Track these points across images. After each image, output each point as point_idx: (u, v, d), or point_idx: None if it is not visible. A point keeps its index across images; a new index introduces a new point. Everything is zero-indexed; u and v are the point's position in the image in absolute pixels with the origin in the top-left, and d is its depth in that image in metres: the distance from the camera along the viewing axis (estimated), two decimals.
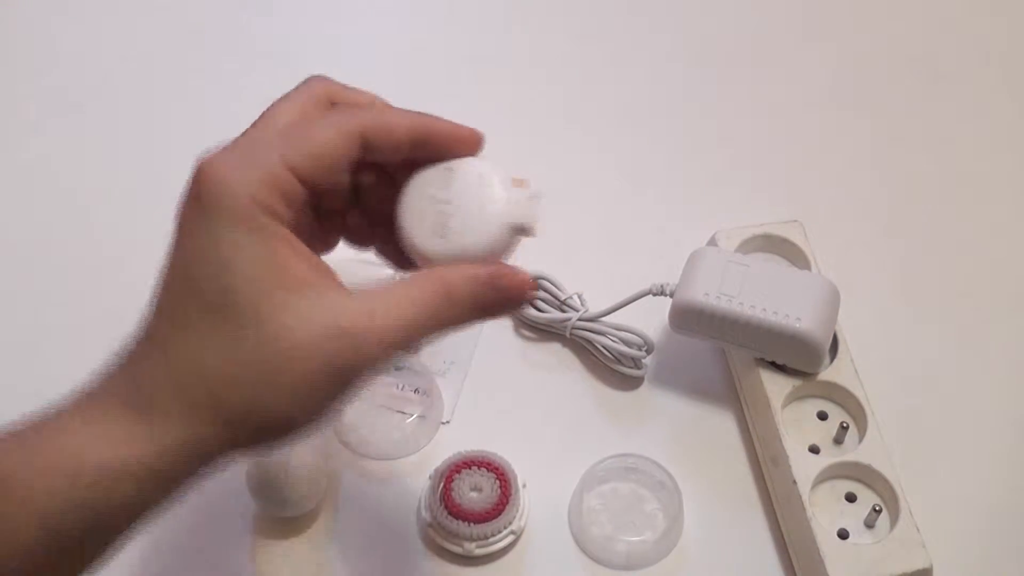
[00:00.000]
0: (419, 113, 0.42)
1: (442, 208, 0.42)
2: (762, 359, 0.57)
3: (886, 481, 0.54)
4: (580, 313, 0.61)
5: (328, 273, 0.40)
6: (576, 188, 0.69)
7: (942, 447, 0.59)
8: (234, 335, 0.37)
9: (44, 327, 0.63)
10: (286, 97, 0.43)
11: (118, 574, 0.53)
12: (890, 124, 0.74)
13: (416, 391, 0.59)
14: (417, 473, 0.57)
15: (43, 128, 0.72)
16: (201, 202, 0.38)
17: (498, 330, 0.63)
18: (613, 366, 0.60)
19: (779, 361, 0.57)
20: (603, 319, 0.60)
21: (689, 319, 0.57)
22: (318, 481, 0.55)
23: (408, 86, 0.75)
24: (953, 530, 0.56)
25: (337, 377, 0.38)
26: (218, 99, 0.73)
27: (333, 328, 0.37)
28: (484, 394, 0.61)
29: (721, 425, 0.60)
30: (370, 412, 0.59)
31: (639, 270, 0.61)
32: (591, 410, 0.60)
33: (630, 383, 0.61)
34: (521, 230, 0.42)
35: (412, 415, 0.58)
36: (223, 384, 0.37)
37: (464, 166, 0.43)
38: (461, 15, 0.80)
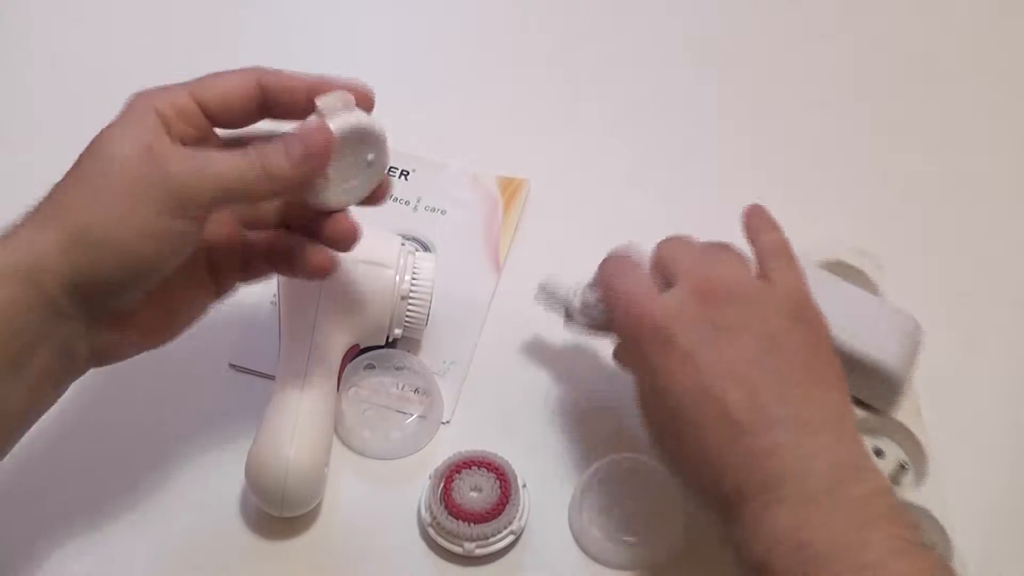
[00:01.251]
0: (320, 76, 0.49)
1: None
2: None
3: (942, 529, 0.53)
4: None
5: None
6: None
7: (945, 448, 0.59)
8: (81, 172, 0.45)
9: None
10: None
11: (118, 573, 0.54)
12: (893, 125, 0.74)
13: (416, 391, 0.59)
14: (417, 473, 0.57)
15: (43, 128, 0.72)
16: (122, 112, 0.47)
17: (498, 329, 0.63)
18: None
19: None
20: None
21: None
22: (318, 481, 0.54)
23: (410, 85, 0.75)
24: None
25: (155, 196, 0.44)
26: None
27: (155, 158, 0.44)
28: (484, 394, 0.61)
29: None
30: (370, 412, 0.59)
31: None
32: (592, 410, 0.60)
33: None
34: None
35: (412, 415, 0.58)
36: (60, 204, 0.44)
37: None
38: (476, 11, 0.79)
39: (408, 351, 0.61)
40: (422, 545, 0.55)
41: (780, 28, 0.79)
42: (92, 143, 0.46)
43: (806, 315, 0.50)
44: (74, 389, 0.55)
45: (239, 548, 0.55)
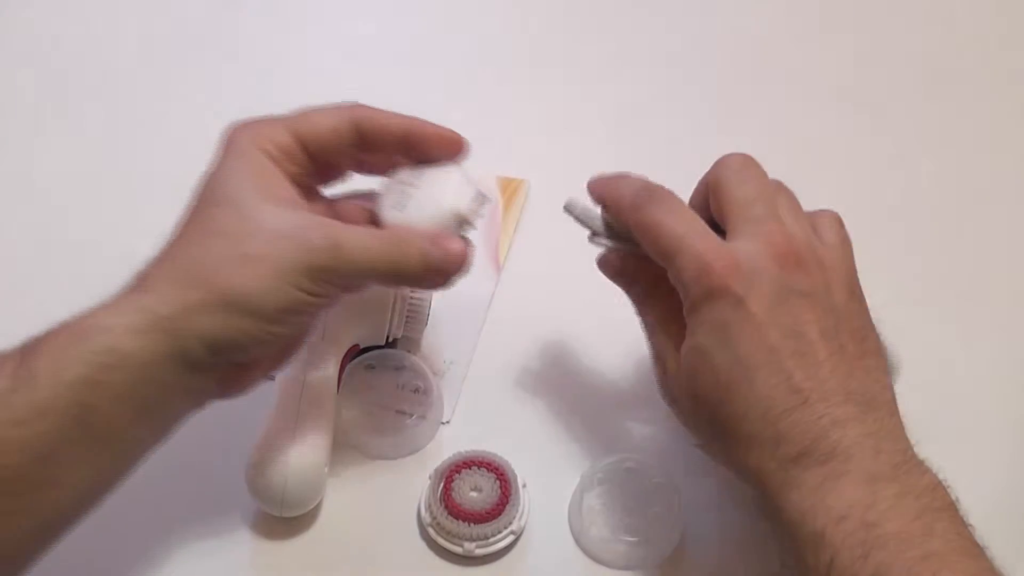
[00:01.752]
0: (415, 118, 0.51)
1: (406, 189, 0.51)
2: None
3: None
4: None
5: (306, 207, 0.49)
6: None
7: (945, 448, 0.59)
8: (215, 224, 0.46)
9: (41, 327, 0.63)
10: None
11: (118, 571, 0.54)
12: (893, 126, 0.74)
13: (416, 391, 0.59)
14: (417, 473, 0.57)
15: (43, 128, 0.72)
16: (221, 149, 0.48)
17: (498, 329, 0.63)
18: None
19: None
20: None
21: None
22: (318, 481, 0.55)
23: (409, 86, 0.76)
24: None
25: (294, 271, 0.45)
26: (219, 99, 0.73)
27: (299, 228, 0.46)
28: (484, 394, 0.61)
29: None
30: (370, 412, 0.59)
31: None
32: (592, 410, 0.60)
33: None
34: (463, 219, 0.50)
35: (412, 415, 0.58)
36: (203, 263, 0.45)
37: (437, 165, 0.51)
38: (475, 11, 0.79)
39: (408, 351, 0.61)
40: (422, 545, 0.55)
41: (780, 29, 0.79)
42: (214, 188, 0.47)
43: (858, 292, 0.50)
44: None
45: (239, 548, 0.55)
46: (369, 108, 0.50)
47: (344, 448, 0.58)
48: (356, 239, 0.47)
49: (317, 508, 0.56)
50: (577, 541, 0.56)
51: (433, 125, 0.51)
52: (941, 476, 0.45)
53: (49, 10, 0.78)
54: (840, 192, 0.70)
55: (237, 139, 0.48)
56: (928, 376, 0.62)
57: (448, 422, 0.60)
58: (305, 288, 0.45)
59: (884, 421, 0.46)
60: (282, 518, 0.55)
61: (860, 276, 0.60)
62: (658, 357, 0.52)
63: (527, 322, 0.63)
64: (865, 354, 0.47)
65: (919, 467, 0.45)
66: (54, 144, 0.71)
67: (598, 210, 0.53)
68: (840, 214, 0.67)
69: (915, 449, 0.46)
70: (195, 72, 0.75)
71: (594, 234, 0.54)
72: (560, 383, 0.61)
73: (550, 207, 0.68)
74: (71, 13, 0.78)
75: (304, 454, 0.53)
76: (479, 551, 0.54)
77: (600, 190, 0.53)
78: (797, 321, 0.46)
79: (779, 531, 0.45)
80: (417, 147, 0.51)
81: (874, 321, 0.53)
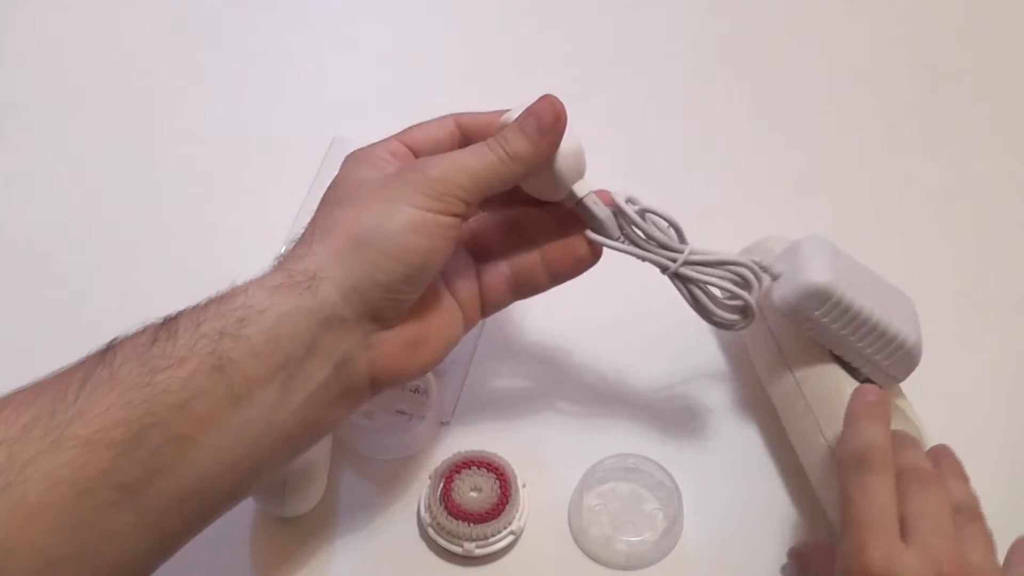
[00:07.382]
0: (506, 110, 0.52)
1: None
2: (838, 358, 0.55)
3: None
4: (686, 255, 0.54)
5: None
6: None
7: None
8: (338, 198, 0.48)
9: (40, 326, 0.63)
10: None
11: None
12: (893, 127, 0.74)
13: (416, 391, 0.59)
14: (417, 473, 0.57)
15: (41, 128, 0.72)
16: (345, 160, 0.51)
17: (498, 329, 0.63)
18: (718, 310, 0.54)
19: (864, 370, 0.55)
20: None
21: (816, 303, 0.53)
22: (318, 481, 0.55)
23: (409, 85, 0.76)
24: None
25: (405, 193, 0.47)
26: (218, 99, 0.73)
27: (411, 165, 0.49)
28: (484, 394, 0.61)
29: (721, 426, 0.60)
30: (370, 412, 0.59)
31: None
32: (592, 410, 0.60)
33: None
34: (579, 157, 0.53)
35: (412, 415, 0.58)
36: (325, 222, 0.47)
37: None
38: (475, 10, 0.79)
39: None
40: (422, 545, 0.55)
41: (781, 29, 0.79)
42: (336, 191, 0.49)
43: None
44: None
45: (239, 548, 0.55)
46: (467, 112, 0.53)
47: (344, 448, 0.58)
48: (464, 151, 0.49)
49: (317, 508, 0.56)
50: (577, 541, 0.56)
51: (528, 106, 0.51)
52: None
53: (51, 9, 0.78)
54: (839, 191, 0.70)
55: (353, 153, 0.51)
56: (927, 377, 0.62)
57: (448, 422, 0.60)
58: (420, 204, 0.47)
59: None
60: (282, 518, 0.55)
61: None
62: None
63: (527, 322, 0.63)
64: None
65: None
66: (56, 144, 0.71)
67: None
68: (839, 213, 0.68)
69: None
70: (193, 75, 0.75)
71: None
72: (560, 383, 0.61)
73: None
74: (72, 13, 0.78)
75: (304, 454, 0.53)
76: (479, 551, 0.54)
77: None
78: None
79: None
80: None
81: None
